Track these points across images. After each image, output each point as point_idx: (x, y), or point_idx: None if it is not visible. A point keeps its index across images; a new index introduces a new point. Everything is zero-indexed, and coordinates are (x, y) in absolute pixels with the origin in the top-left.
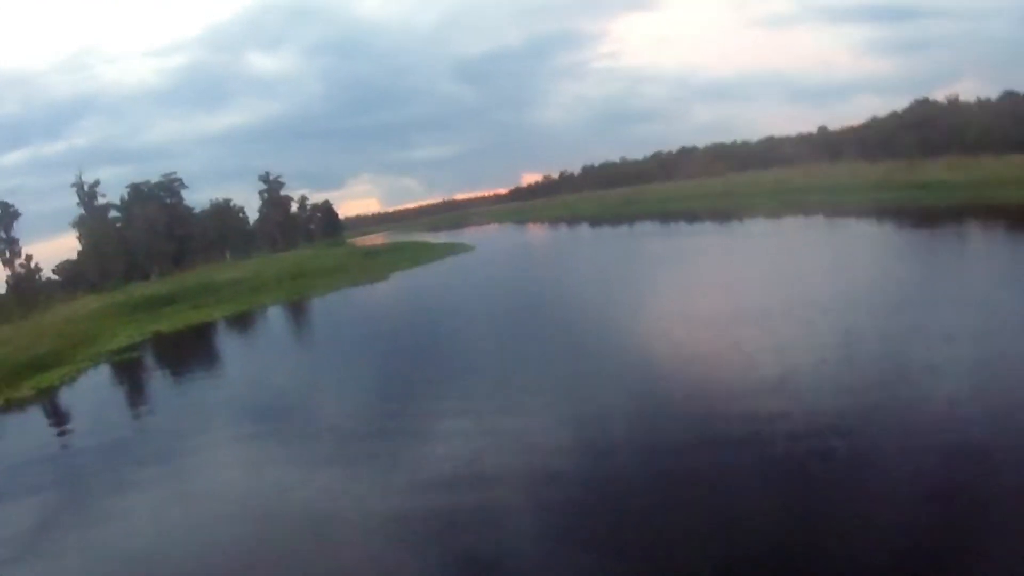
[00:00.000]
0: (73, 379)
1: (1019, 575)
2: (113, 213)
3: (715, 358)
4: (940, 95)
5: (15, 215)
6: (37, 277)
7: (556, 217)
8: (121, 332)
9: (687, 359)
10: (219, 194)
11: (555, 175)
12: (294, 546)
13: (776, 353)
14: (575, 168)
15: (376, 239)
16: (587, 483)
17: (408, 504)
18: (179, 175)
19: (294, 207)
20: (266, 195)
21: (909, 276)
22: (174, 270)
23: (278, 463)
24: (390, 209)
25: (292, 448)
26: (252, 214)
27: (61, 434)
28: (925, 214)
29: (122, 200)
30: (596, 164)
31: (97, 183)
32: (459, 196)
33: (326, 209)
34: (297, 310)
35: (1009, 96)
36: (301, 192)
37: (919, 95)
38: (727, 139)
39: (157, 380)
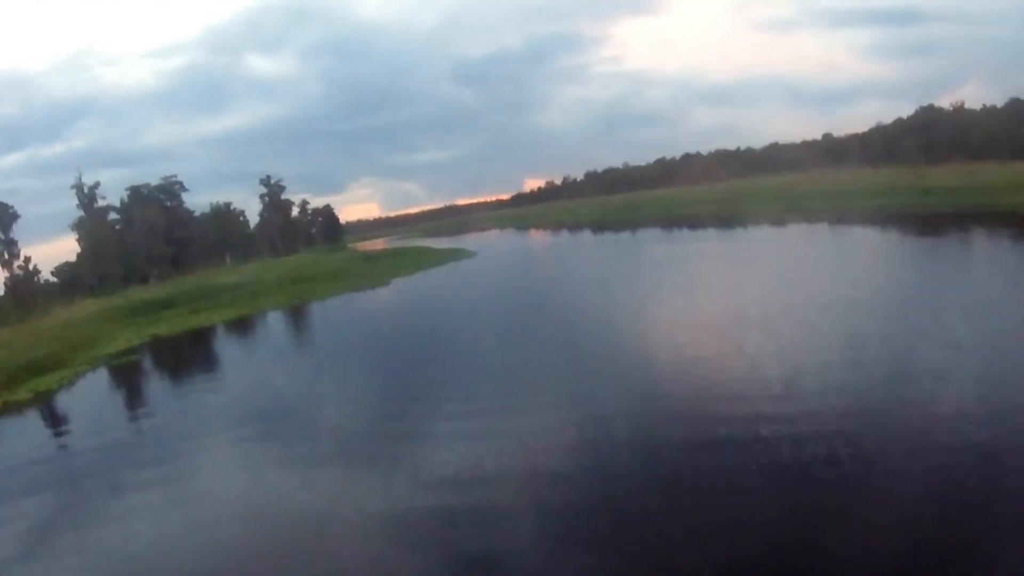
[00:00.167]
0: (71, 382)
1: None
2: (112, 216)
3: (718, 364)
4: (945, 100)
5: (14, 217)
6: (36, 279)
7: (558, 223)
8: (119, 336)
9: (691, 365)
10: (219, 197)
11: (557, 180)
12: (290, 548)
13: (780, 359)
14: (578, 173)
15: (377, 244)
16: (589, 487)
17: (406, 505)
18: (179, 178)
19: (295, 211)
20: (267, 199)
21: (914, 283)
22: (173, 274)
23: (276, 467)
24: (391, 214)
25: (289, 452)
26: (252, 218)
27: (58, 437)
28: (930, 220)
29: (122, 203)
30: (599, 169)
31: (97, 185)
32: (461, 201)
33: (327, 214)
34: (297, 315)
35: (1014, 103)
36: (302, 196)
37: (924, 100)
38: (731, 144)
39: (155, 384)
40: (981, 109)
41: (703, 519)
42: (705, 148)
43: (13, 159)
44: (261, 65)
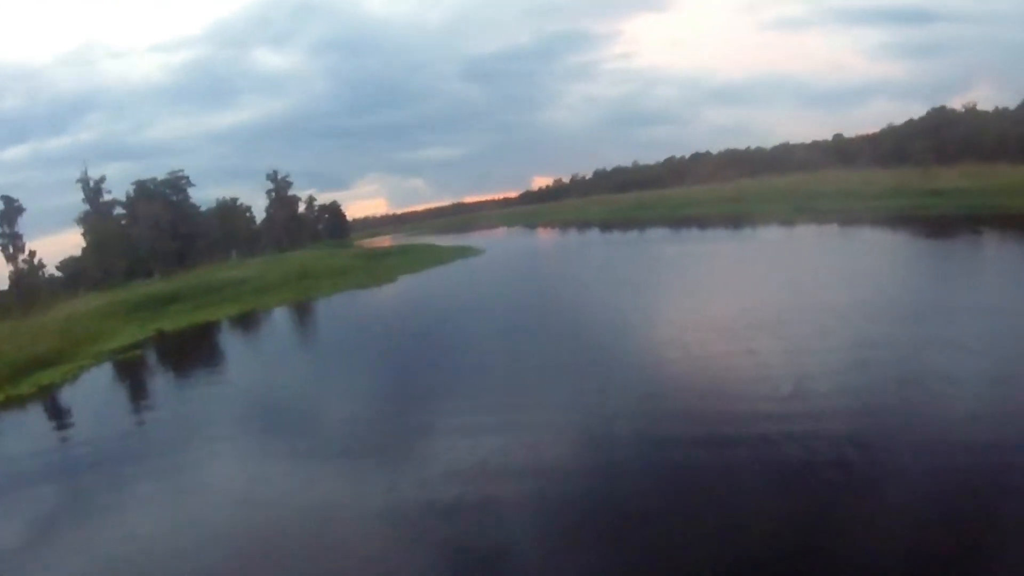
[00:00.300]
0: (75, 377)
1: None
2: (118, 210)
3: (727, 365)
4: (956, 101)
5: (19, 210)
6: (40, 273)
7: (566, 221)
8: (124, 330)
9: (702, 366)
10: (225, 192)
11: (566, 178)
12: (291, 542)
13: (789, 360)
14: (586, 172)
15: (383, 241)
16: (594, 486)
17: (411, 498)
18: (185, 173)
19: (301, 207)
20: (273, 195)
21: (924, 286)
22: (178, 269)
23: (280, 461)
24: (398, 211)
25: (293, 447)
26: (259, 214)
27: (61, 431)
28: (941, 222)
29: (127, 197)
30: (608, 168)
31: (103, 179)
32: (468, 199)
33: (333, 210)
34: (303, 312)
35: None
36: (308, 192)
37: (935, 101)
38: (740, 144)
39: (160, 379)
40: (993, 110)
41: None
42: (714, 147)
43: (18, 152)
44: (268, 60)
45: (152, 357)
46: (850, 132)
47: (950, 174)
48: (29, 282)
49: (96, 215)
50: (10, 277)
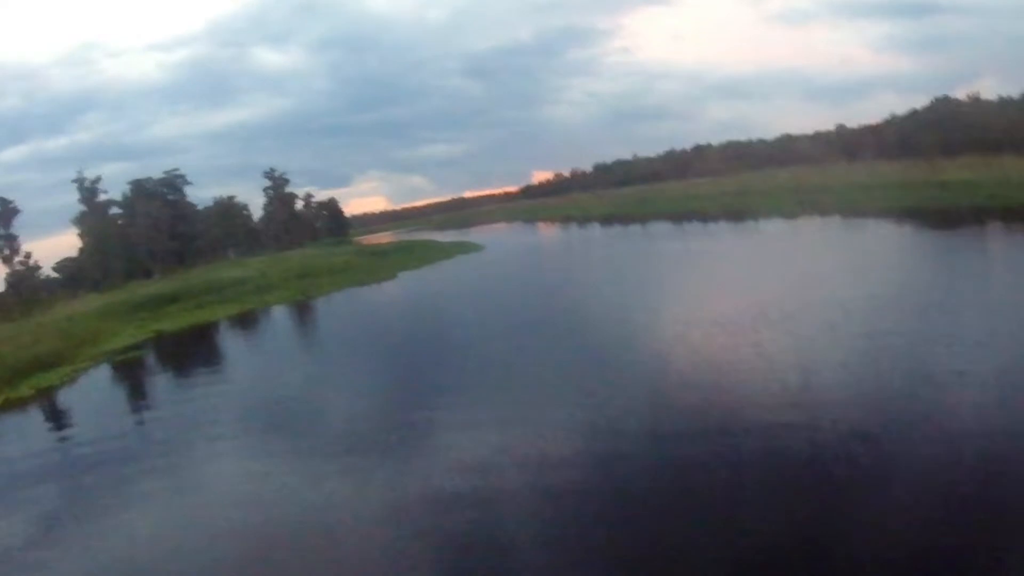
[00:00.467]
0: (73, 379)
1: None
2: (115, 210)
3: (731, 362)
4: (961, 93)
5: (15, 211)
6: (37, 275)
7: (567, 216)
8: (123, 332)
9: (705, 363)
10: (223, 191)
11: (566, 173)
12: (292, 545)
13: (795, 358)
14: (587, 166)
15: (383, 238)
16: (595, 487)
17: (412, 499)
18: (182, 171)
19: (299, 205)
20: (271, 192)
21: (932, 281)
22: (177, 269)
23: (279, 462)
24: (398, 207)
25: (294, 447)
26: (257, 212)
27: (60, 434)
28: (947, 215)
29: (124, 197)
30: (608, 162)
31: (99, 179)
32: (468, 194)
33: (332, 207)
34: (303, 310)
35: None
36: (307, 190)
37: (939, 93)
38: (743, 137)
39: (160, 380)
40: (997, 100)
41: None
42: (717, 141)
43: (16, 152)
44: (268, 58)
45: (152, 358)
46: (853, 124)
47: (956, 166)
48: (26, 283)
49: (92, 215)
50: (7, 279)
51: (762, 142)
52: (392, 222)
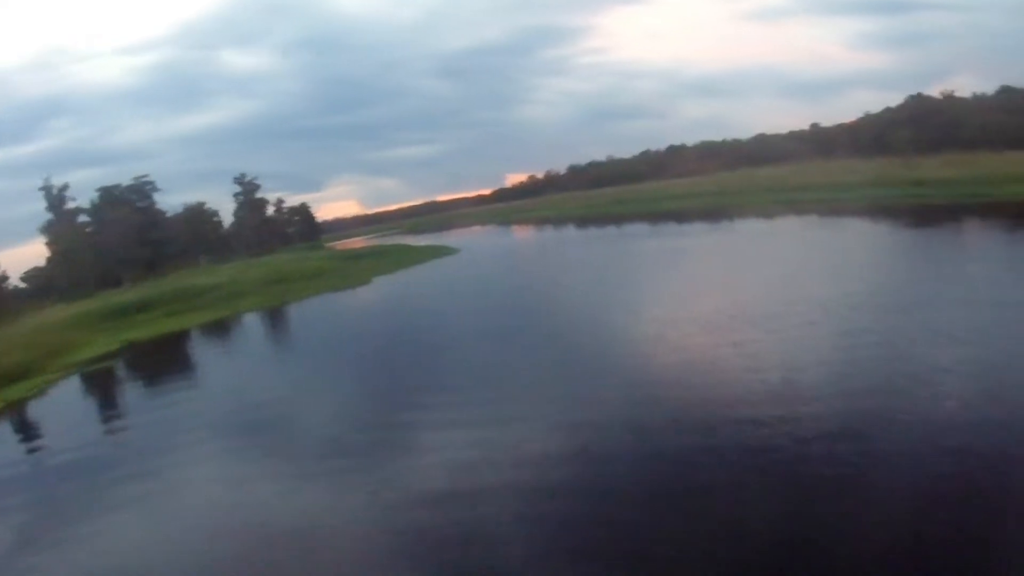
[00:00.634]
0: (43, 391)
1: None
2: (83, 218)
3: (708, 364)
4: (936, 90)
5: None
6: (5, 285)
7: (542, 218)
8: (93, 341)
9: (681, 365)
10: (193, 197)
11: (540, 175)
12: (267, 562)
13: (775, 353)
14: (561, 168)
15: (357, 242)
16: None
17: (390, 516)
18: (151, 178)
19: (271, 210)
20: (241, 198)
21: (908, 278)
22: (148, 276)
23: (253, 477)
24: (370, 211)
25: (267, 461)
26: (228, 218)
27: (30, 448)
28: (923, 212)
29: (92, 204)
30: (583, 163)
31: (66, 187)
32: (442, 197)
33: (304, 212)
34: (276, 317)
35: (1006, 91)
36: (278, 195)
37: (914, 90)
38: (718, 136)
39: (131, 392)
40: (972, 98)
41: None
42: (691, 140)
43: None
44: (237, 61)
45: (123, 368)
46: (828, 122)
47: (932, 163)
48: None
49: (60, 224)
50: None
51: (737, 142)
52: (365, 226)
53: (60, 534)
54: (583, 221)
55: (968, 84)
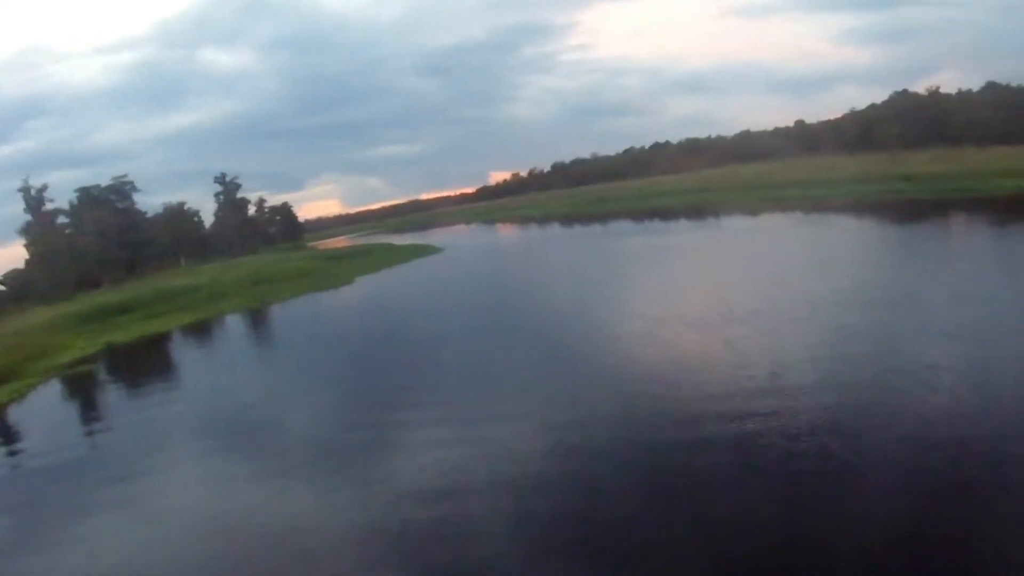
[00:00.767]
0: (23, 396)
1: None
2: (62, 219)
3: (699, 362)
4: (921, 86)
5: None
6: None
7: (526, 216)
8: (73, 344)
9: (665, 361)
10: (174, 197)
11: (524, 173)
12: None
13: (764, 350)
14: (545, 165)
15: (339, 242)
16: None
17: (370, 516)
18: (131, 178)
19: (252, 210)
20: (222, 198)
21: (895, 274)
22: (128, 278)
23: (235, 480)
24: (352, 210)
25: (249, 464)
26: (208, 218)
27: (10, 451)
28: (909, 208)
29: (71, 205)
30: (567, 161)
31: (45, 188)
32: (425, 196)
33: (285, 212)
34: (258, 318)
35: (992, 87)
36: (259, 194)
37: (900, 86)
38: (703, 133)
39: (111, 395)
40: (957, 93)
41: None
42: (676, 137)
43: None
44: (217, 60)
45: (104, 371)
46: (813, 118)
47: (918, 159)
48: None
49: (39, 225)
50: None
51: (721, 138)
52: (347, 225)
53: (41, 537)
54: (568, 219)
55: (954, 80)
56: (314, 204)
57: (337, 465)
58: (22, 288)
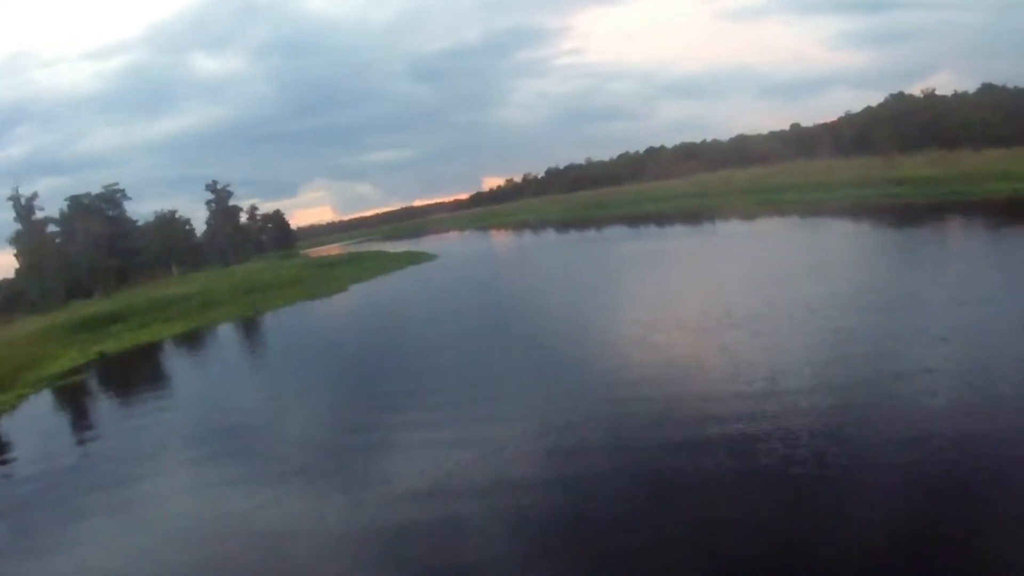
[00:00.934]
0: (13, 407)
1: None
2: (52, 228)
3: (696, 368)
4: (916, 88)
5: None
6: None
7: (520, 222)
8: (64, 355)
9: (661, 365)
10: (164, 205)
11: (518, 178)
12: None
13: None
14: (539, 171)
15: (332, 249)
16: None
17: (369, 522)
18: (121, 186)
19: (244, 218)
20: (213, 205)
21: (891, 277)
22: (119, 287)
23: (230, 489)
24: (345, 217)
25: (243, 473)
26: (200, 226)
27: (0, 463)
28: (905, 211)
29: (61, 214)
30: (561, 166)
31: (35, 196)
32: (418, 202)
33: (278, 219)
34: (251, 327)
35: (987, 89)
36: (251, 201)
37: (895, 88)
38: (697, 138)
39: (104, 406)
40: (953, 95)
41: None
42: (670, 142)
43: None
44: (207, 65)
45: (96, 382)
46: (808, 122)
47: (913, 162)
48: None
49: (29, 234)
50: None
51: (717, 142)
52: (340, 233)
53: (33, 542)
54: (562, 224)
55: (949, 82)
56: (306, 211)
57: (333, 469)
58: (12, 298)
